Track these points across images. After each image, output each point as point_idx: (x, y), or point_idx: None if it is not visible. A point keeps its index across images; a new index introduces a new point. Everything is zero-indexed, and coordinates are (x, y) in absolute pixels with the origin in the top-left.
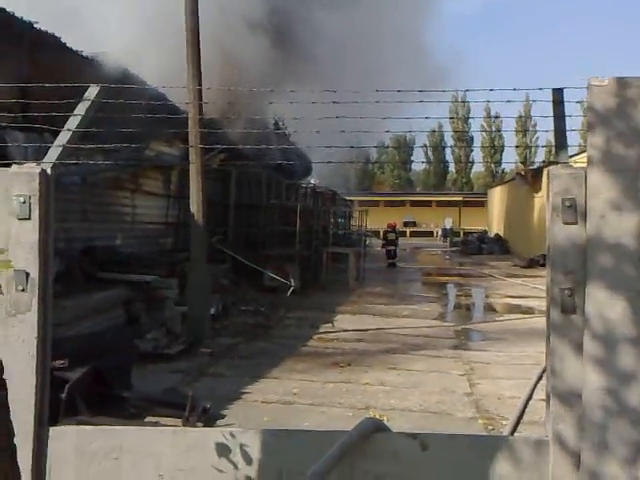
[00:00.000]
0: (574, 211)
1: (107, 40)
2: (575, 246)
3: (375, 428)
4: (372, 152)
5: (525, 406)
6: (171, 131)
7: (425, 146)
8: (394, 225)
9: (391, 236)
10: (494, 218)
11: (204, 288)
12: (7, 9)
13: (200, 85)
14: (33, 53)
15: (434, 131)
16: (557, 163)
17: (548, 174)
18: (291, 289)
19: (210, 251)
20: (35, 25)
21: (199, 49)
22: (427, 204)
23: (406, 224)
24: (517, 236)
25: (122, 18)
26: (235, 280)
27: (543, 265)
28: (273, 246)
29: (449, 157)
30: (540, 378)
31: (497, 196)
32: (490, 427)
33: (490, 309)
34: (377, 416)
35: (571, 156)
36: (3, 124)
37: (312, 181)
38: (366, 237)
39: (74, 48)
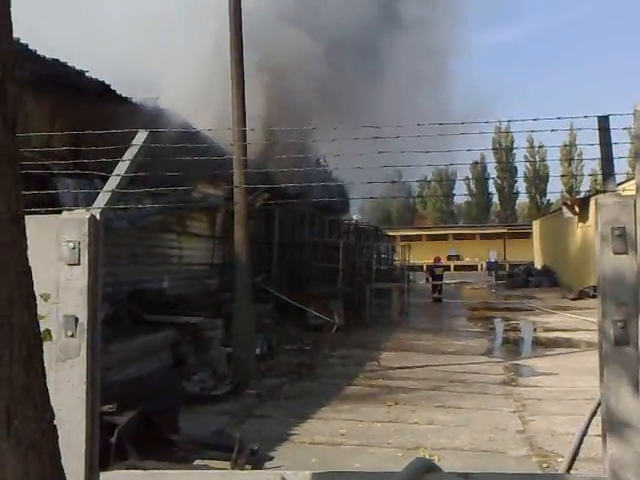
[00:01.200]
0: (624, 240)
1: (161, 88)
2: (626, 276)
3: (426, 468)
4: (414, 186)
5: (580, 442)
6: (216, 172)
7: (467, 178)
8: (440, 259)
9: (438, 270)
10: (540, 250)
11: (249, 328)
12: (60, 59)
13: (244, 126)
14: (83, 101)
15: (476, 163)
16: (605, 192)
17: (596, 203)
18: (335, 327)
19: (254, 290)
20: (86, 73)
21: (243, 92)
22: (471, 237)
23: (450, 258)
24: (565, 267)
25: (171, 65)
26: (279, 319)
27: (594, 297)
28: (316, 284)
29: (492, 189)
30: (595, 413)
31: (543, 227)
32: (545, 465)
33: (539, 343)
34: (427, 456)
35: (619, 184)
36: (55, 171)
37: (353, 217)
38: (409, 272)
39: (123, 94)
